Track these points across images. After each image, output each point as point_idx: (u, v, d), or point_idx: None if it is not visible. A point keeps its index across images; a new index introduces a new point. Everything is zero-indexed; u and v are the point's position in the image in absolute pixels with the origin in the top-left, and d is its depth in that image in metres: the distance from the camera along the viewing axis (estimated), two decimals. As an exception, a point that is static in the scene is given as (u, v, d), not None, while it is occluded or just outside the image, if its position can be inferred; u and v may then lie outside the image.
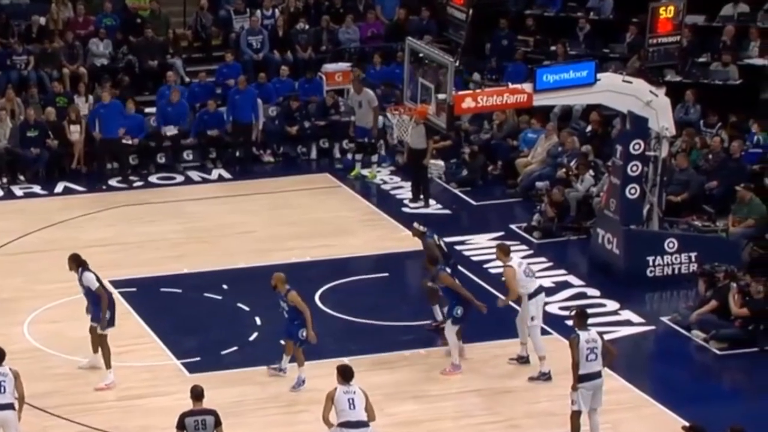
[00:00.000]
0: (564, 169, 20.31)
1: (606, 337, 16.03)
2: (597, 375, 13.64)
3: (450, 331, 15.43)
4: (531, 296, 15.39)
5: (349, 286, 17.49)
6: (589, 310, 16.74)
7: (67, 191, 21.54)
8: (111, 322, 15.16)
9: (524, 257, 18.69)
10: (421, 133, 20.22)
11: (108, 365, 15.10)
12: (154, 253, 18.84)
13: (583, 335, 13.63)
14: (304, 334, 14.93)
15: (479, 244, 19.25)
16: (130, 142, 22.17)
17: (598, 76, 17.54)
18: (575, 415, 13.67)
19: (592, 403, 13.70)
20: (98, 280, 15.15)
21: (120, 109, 22.04)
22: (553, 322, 16.69)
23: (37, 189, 21.60)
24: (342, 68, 24.02)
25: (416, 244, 16.78)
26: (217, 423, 12.48)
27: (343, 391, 12.90)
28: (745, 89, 22.48)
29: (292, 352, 15.16)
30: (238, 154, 22.74)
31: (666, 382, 15.56)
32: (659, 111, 17.86)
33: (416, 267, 17.00)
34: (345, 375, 13.00)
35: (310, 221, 20.04)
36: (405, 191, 21.39)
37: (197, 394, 12.62)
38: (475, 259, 18.67)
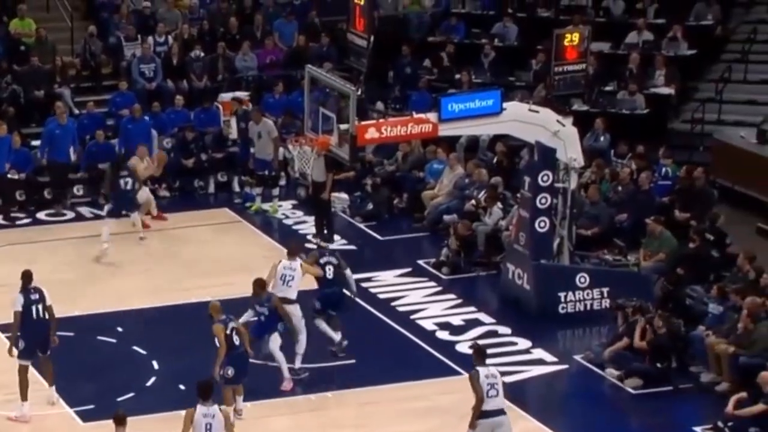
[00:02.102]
0: (472, 202, 20.41)
1: (518, 377, 16.33)
2: (499, 412, 13.59)
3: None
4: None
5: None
6: (501, 349, 17.05)
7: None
8: (25, 352, 15.08)
9: (433, 293, 18.88)
10: (322, 165, 20.15)
11: (23, 397, 15.07)
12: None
13: (482, 371, 13.65)
14: (230, 372, 14.80)
15: (386, 281, 19.19)
16: (16, 177, 21.71)
17: (504, 105, 17.68)
18: None
19: None
20: (27, 303, 15.13)
21: (8, 143, 21.52)
22: (463, 362, 16.66)
23: None
24: (239, 97, 23.84)
25: (315, 282, 16.51)
26: None
27: (202, 413, 12.87)
28: (653, 118, 22.92)
29: (240, 390, 15.09)
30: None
31: (581, 422, 15.63)
32: (567, 141, 18.05)
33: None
34: (204, 393, 12.97)
35: (210, 259, 19.81)
36: (308, 226, 21.28)
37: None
38: (382, 296, 18.62)
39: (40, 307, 15.29)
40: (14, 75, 23.88)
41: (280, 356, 15.77)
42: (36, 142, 22.57)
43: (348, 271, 16.58)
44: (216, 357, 14.81)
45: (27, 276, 15.53)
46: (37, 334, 15.21)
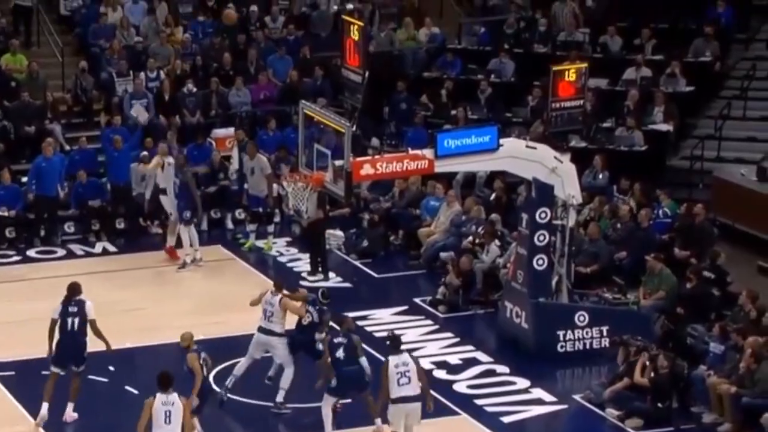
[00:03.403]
0: (469, 239, 20.49)
1: (517, 417, 16.34)
2: (411, 399, 14.38)
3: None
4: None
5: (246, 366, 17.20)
6: (499, 389, 17.09)
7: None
8: (56, 360, 15.78)
9: (430, 332, 18.92)
10: (315, 201, 20.24)
11: (45, 398, 15.79)
12: (32, 333, 18.20)
13: (392, 359, 14.37)
14: (195, 402, 14.82)
15: (382, 319, 19.23)
16: (6, 213, 21.77)
17: (501, 141, 17.81)
18: None
19: (413, 425, 14.50)
20: (64, 314, 15.88)
21: None
22: (461, 401, 16.72)
23: None
24: (232, 134, 23.94)
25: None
26: None
27: (161, 401, 13.36)
28: (651, 155, 23.04)
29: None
30: (123, 225, 22.46)
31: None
32: (565, 178, 18.15)
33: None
34: (162, 383, 13.47)
35: (202, 297, 19.84)
36: (303, 263, 21.34)
37: None
38: (378, 335, 18.64)
39: (76, 320, 15.86)
40: (5, 111, 23.92)
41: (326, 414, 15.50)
42: (25, 179, 22.65)
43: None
44: (194, 386, 14.86)
45: (72, 288, 16.07)
46: (68, 347, 15.79)
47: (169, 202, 21.40)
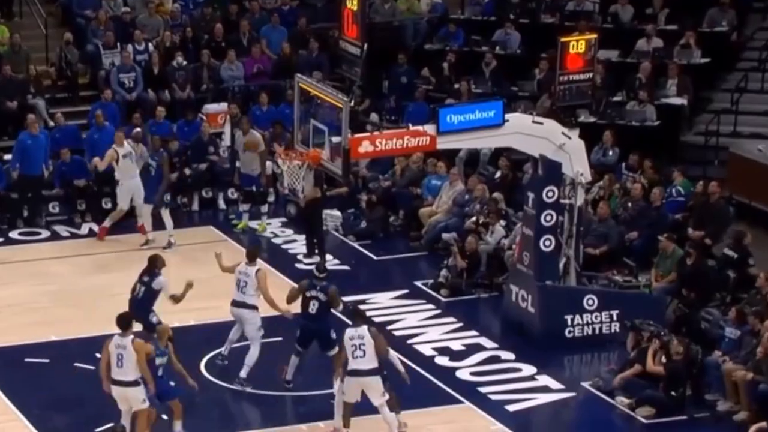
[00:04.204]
0: (473, 219, 20.44)
1: (523, 405, 16.31)
2: (365, 372, 14.89)
3: None
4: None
5: (238, 352, 17.15)
6: (504, 376, 17.10)
7: None
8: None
9: (432, 317, 18.91)
10: (312, 180, 20.21)
11: None
12: (16, 319, 18.47)
13: (348, 332, 14.98)
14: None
15: (381, 303, 19.21)
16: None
17: (507, 116, 17.72)
18: (347, 406, 15.09)
19: (372, 400, 14.97)
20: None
21: None
22: (464, 389, 16.71)
23: None
24: (225, 109, 23.87)
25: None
26: None
27: (116, 343, 14.35)
28: (664, 130, 22.97)
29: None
30: (109, 205, 22.40)
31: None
32: (573, 155, 18.10)
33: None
34: (120, 323, 14.58)
35: (194, 280, 19.73)
36: (298, 245, 21.30)
37: None
38: (377, 319, 18.60)
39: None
40: (-15, 85, 23.95)
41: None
42: (8, 156, 22.60)
43: (338, 312, 16.50)
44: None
45: (152, 261, 16.94)
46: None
47: (121, 195, 21.30)
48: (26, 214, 22.12)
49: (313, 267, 18.45)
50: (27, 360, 17.36)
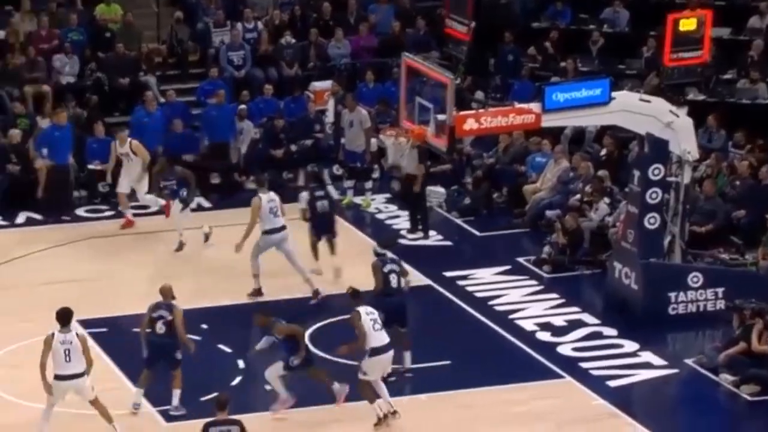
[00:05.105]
0: (578, 196, 20.34)
1: (625, 381, 16.24)
2: (387, 348, 14.97)
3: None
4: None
5: (340, 326, 17.02)
6: (606, 352, 17.03)
7: (30, 222, 21.50)
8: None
9: (534, 292, 18.89)
10: (415, 156, 20.28)
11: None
12: (126, 289, 18.80)
13: (362, 309, 15.04)
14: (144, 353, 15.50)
15: (483, 279, 19.28)
16: (99, 167, 22.13)
17: (613, 94, 17.66)
18: (367, 385, 15.03)
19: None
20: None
21: (69, 132, 21.71)
22: (565, 364, 16.70)
23: (-5, 219, 21.63)
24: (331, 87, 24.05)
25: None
26: None
27: (59, 341, 14.42)
28: (775, 109, 22.62)
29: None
30: (217, 180, 22.72)
31: (692, 430, 15.60)
32: (680, 133, 17.94)
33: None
34: (60, 319, 14.50)
35: (298, 254, 19.94)
36: (402, 220, 21.42)
37: (221, 403, 13.45)
38: (478, 295, 18.70)
39: None
40: (98, 62, 24.34)
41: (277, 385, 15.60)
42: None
43: (409, 278, 16.58)
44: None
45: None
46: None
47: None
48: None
49: (416, 244, 18.72)
50: (135, 330, 17.62)
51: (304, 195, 19.37)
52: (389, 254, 16.54)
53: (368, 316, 15.03)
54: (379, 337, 14.99)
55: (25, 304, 18.24)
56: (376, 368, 15.10)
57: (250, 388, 16.05)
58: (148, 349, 15.56)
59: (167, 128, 22.75)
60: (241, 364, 16.74)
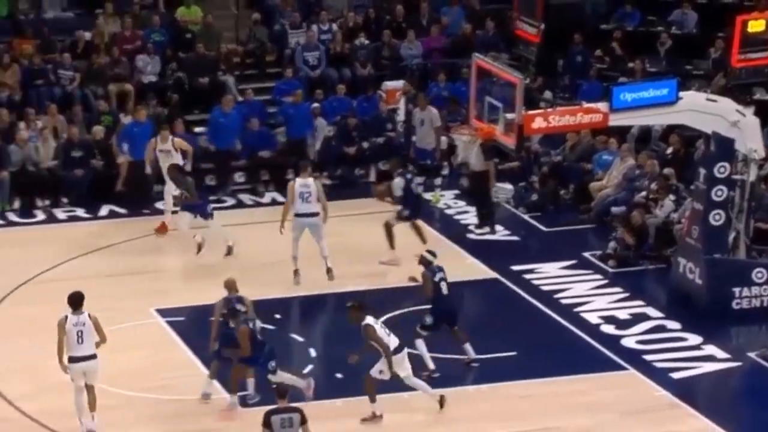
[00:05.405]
0: (644, 193, 20.53)
1: (688, 373, 16.40)
2: (399, 349, 15.15)
3: None
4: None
5: (407, 318, 17.29)
6: (670, 345, 17.19)
7: (112, 215, 22.07)
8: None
9: (599, 286, 19.10)
10: (482, 154, 20.57)
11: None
12: (202, 281, 19.06)
13: (371, 321, 15.04)
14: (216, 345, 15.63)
15: (549, 273, 19.52)
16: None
17: (680, 94, 17.83)
18: (375, 384, 15.15)
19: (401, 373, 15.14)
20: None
21: (148, 129, 22.05)
22: (629, 357, 16.90)
23: (80, 212, 22.16)
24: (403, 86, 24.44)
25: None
26: (303, 421, 13.20)
27: (72, 323, 14.55)
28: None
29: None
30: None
31: (755, 423, 15.66)
32: (747, 132, 18.05)
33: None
34: (72, 303, 14.60)
35: (368, 248, 20.23)
36: (471, 216, 21.74)
37: (282, 392, 13.51)
38: (545, 288, 18.94)
39: None
40: (179, 62, 24.86)
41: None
42: (198, 129, 23.59)
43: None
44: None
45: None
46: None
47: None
48: (214, 183, 22.85)
49: (483, 239, 18.95)
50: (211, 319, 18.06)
51: (399, 181, 19.67)
52: (435, 262, 16.58)
53: (378, 325, 15.13)
54: (392, 341, 15.17)
55: (105, 293, 18.38)
56: (397, 366, 15.18)
57: (319, 377, 16.22)
58: (219, 341, 15.74)
59: (244, 126, 23.24)
60: (312, 352, 17.11)
